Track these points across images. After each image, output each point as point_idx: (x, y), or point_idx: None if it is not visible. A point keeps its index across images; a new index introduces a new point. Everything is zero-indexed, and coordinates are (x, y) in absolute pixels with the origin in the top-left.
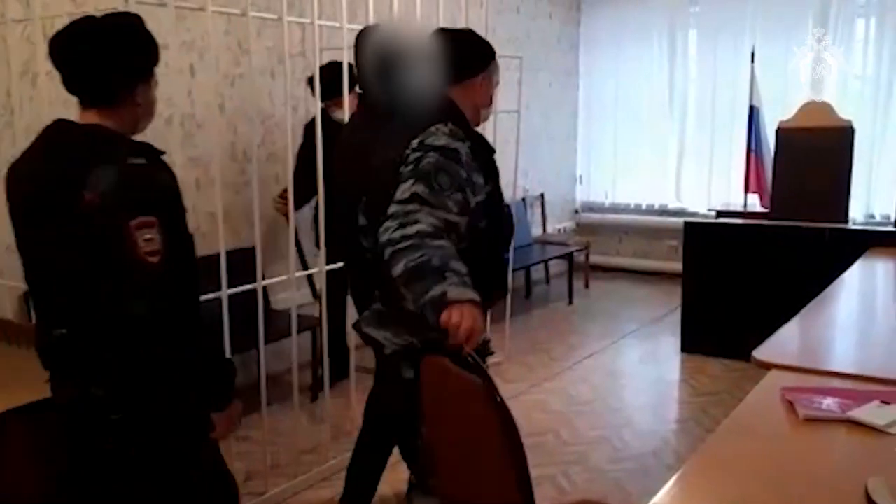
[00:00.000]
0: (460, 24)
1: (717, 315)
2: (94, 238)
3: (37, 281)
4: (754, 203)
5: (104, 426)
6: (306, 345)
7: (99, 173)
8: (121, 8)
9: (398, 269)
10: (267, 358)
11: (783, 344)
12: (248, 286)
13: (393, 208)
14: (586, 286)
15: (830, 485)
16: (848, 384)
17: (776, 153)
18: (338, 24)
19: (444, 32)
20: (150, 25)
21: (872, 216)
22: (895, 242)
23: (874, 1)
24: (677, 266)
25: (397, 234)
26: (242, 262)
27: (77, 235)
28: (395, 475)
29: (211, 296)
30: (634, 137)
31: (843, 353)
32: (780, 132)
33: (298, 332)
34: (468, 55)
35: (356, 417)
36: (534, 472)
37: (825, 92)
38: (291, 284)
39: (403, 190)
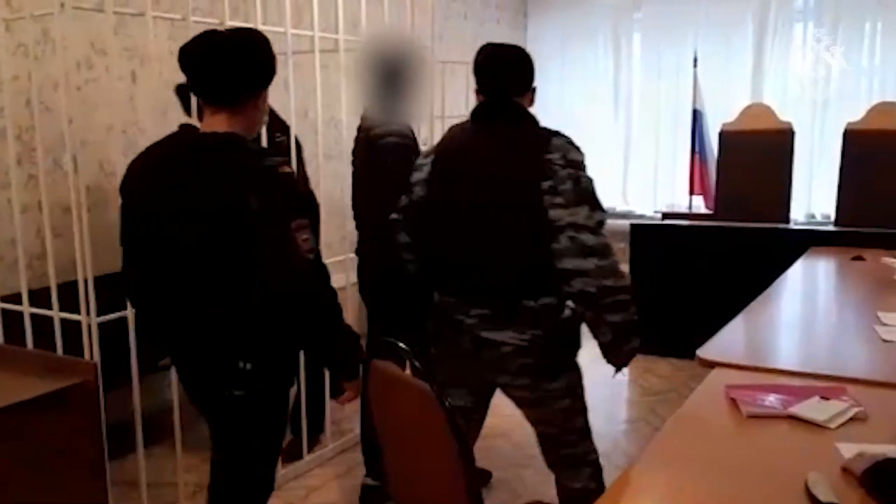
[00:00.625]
0: (407, 30)
1: (665, 315)
2: (255, 238)
3: (173, 272)
4: (699, 205)
5: (239, 382)
6: None
7: (260, 184)
8: (56, 13)
9: (616, 317)
10: None
11: (726, 342)
12: None
13: (588, 239)
14: None
15: (772, 479)
16: (789, 381)
17: (719, 155)
18: (282, 30)
19: (503, 46)
20: (88, 31)
21: (813, 216)
22: (835, 242)
23: (811, 5)
24: (625, 268)
25: (610, 282)
26: None
27: (239, 236)
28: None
29: None
30: (581, 140)
31: (785, 351)
32: (723, 135)
33: None
34: (531, 68)
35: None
36: None
37: (766, 95)
38: None
39: (584, 216)
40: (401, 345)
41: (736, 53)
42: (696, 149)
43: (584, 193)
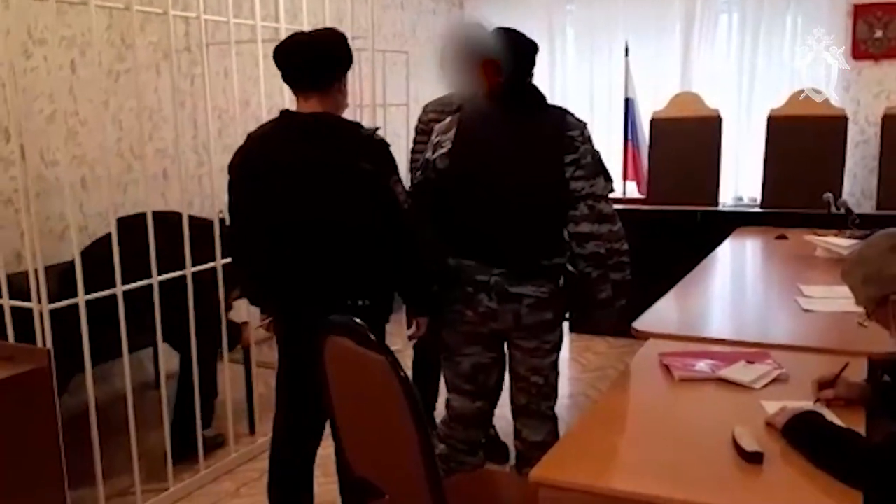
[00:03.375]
0: (346, 20)
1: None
2: (369, 194)
3: (291, 232)
4: (632, 190)
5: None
6: None
7: (367, 148)
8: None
9: (618, 276)
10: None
11: (660, 315)
12: (144, 282)
13: (604, 207)
14: None
15: (703, 434)
16: (718, 348)
17: (651, 142)
18: (224, 19)
19: (514, 31)
20: (28, 21)
21: (741, 199)
22: (761, 222)
23: None
24: None
25: (618, 245)
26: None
27: (358, 193)
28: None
29: (107, 292)
30: None
31: (714, 321)
32: (654, 122)
33: None
34: (536, 52)
35: (258, 409)
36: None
37: (694, 84)
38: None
39: (601, 186)
40: (356, 320)
41: (665, 43)
42: (629, 136)
43: (600, 166)
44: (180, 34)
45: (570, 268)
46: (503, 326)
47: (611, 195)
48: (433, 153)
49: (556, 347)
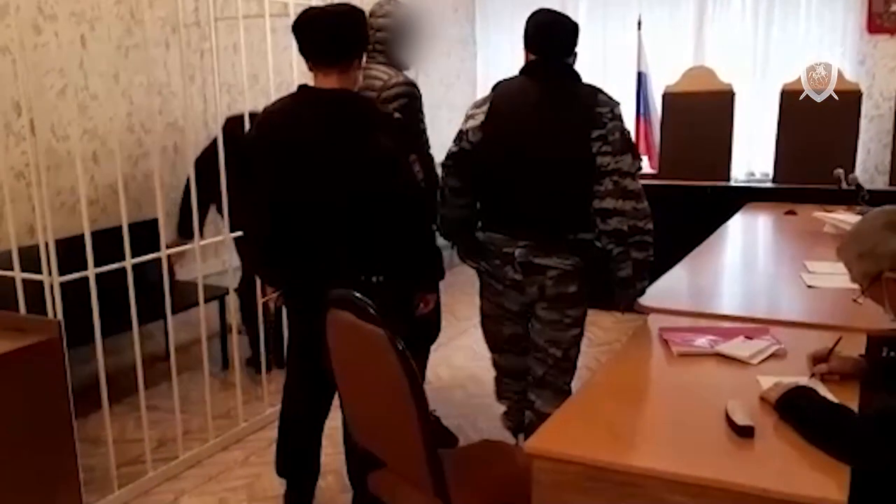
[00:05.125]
0: None
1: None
2: (388, 171)
3: (309, 207)
4: (644, 165)
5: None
6: (215, 315)
7: (387, 125)
8: None
9: (639, 255)
10: (177, 328)
11: (663, 290)
12: (152, 255)
13: (630, 184)
14: None
15: (697, 407)
16: (718, 323)
17: (663, 117)
18: None
19: (554, 12)
20: None
21: (753, 174)
22: (771, 198)
23: None
24: None
25: (641, 224)
26: (148, 234)
27: (377, 170)
28: None
29: (115, 266)
30: None
31: (716, 297)
32: (666, 97)
33: (206, 301)
34: (577, 35)
35: (268, 383)
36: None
37: (707, 57)
38: (197, 254)
39: (627, 163)
40: (356, 294)
41: (679, 16)
42: (641, 110)
43: (628, 143)
44: (189, 9)
45: (597, 244)
46: (528, 300)
47: (639, 173)
48: (466, 124)
49: (578, 322)
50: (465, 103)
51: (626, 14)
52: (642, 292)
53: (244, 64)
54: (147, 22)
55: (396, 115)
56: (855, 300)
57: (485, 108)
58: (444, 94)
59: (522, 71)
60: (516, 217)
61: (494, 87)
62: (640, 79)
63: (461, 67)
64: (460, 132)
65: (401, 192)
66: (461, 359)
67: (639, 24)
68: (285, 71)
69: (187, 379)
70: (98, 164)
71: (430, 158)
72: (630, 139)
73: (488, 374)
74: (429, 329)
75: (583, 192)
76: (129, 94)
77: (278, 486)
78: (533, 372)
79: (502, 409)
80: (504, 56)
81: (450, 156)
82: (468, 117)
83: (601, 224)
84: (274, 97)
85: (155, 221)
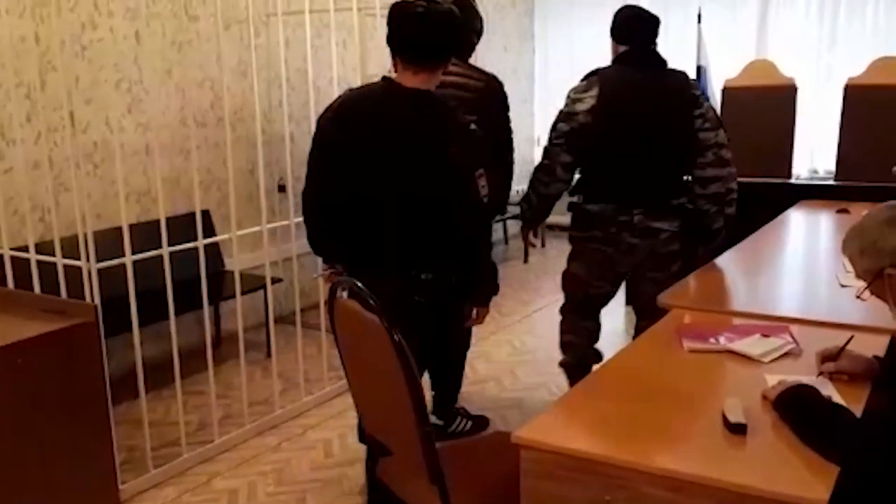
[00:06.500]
0: None
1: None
2: (453, 179)
3: (375, 197)
4: None
5: (421, 290)
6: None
7: (464, 136)
8: None
9: (731, 210)
10: (226, 315)
11: (688, 288)
12: (189, 244)
13: (726, 153)
14: (542, 245)
15: (696, 404)
16: (739, 321)
17: (722, 111)
18: None
19: (640, 7)
20: None
21: (816, 171)
22: (828, 196)
23: None
24: None
25: (733, 185)
26: (204, 224)
27: (443, 174)
28: (347, 421)
29: (153, 253)
30: None
31: (741, 294)
32: (726, 91)
33: (252, 291)
34: (656, 25)
35: (307, 370)
36: None
37: (770, 50)
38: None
39: (722, 136)
40: (357, 283)
41: (740, 9)
42: None
43: (719, 119)
44: (241, 6)
45: (688, 207)
46: (637, 261)
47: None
48: (575, 107)
49: (676, 276)
50: (521, 97)
51: (687, 7)
52: (722, 232)
53: (282, 59)
54: (200, 18)
55: (473, 126)
56: (858, 296)
57: (593, 92)
58: None
59: (618, 60)
60: (628, 188)
61: (592, 74)
62: (700, 73)
63: (518, 62)
64: (568, 113)
65: (461, 203)
66: (501, 354)
67: (699, 17)
68: (338, 66)
69: (233, 365)
70: (150, 157)
71: (511, 151)
72: (718, 116)
73: (524, 368)
74: (463, 336)
75: (681, 164)
76: (181, 88)
77: (308, 471)
78: (639, 327)
79: (533, 401)
80: (563, 51)
81: (562, 135)
82: (574, 101)
83: (700, 189)
84: (326, 92)
85: (207, 213)
